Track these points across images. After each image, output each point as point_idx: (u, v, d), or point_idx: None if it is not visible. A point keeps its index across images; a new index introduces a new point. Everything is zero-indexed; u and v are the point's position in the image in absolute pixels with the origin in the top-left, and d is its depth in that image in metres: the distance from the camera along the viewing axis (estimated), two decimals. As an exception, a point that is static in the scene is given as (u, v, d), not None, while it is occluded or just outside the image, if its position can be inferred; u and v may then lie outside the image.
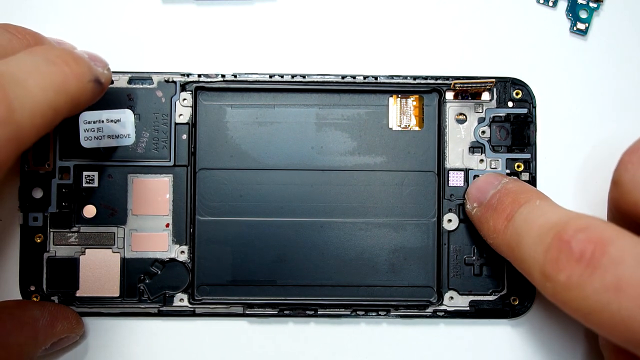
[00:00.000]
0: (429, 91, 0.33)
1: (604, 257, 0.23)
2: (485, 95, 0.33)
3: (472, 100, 0.33)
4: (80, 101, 0.25)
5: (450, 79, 0.33)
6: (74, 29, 0.33)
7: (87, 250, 0.32)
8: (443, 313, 0.33)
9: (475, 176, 0.33)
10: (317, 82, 0.33)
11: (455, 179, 0.33)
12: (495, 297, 0.33)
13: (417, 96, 0.33)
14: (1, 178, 0.22)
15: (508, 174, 0.33)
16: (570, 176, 0.33)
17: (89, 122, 0.32)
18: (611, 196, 0.28)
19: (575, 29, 0.34)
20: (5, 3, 0.33)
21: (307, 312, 0.32)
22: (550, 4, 0.34)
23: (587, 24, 0.33)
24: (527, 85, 0.33)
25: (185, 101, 0.33)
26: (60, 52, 0.25)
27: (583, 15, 0.34)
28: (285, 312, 0.32)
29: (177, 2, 0.34)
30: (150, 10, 0.34)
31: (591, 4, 0.33)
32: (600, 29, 0.34)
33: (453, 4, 0.34)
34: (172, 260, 0.32)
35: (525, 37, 0.34)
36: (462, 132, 0.33)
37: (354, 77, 0.33)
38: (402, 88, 0.33)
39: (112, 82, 0.32)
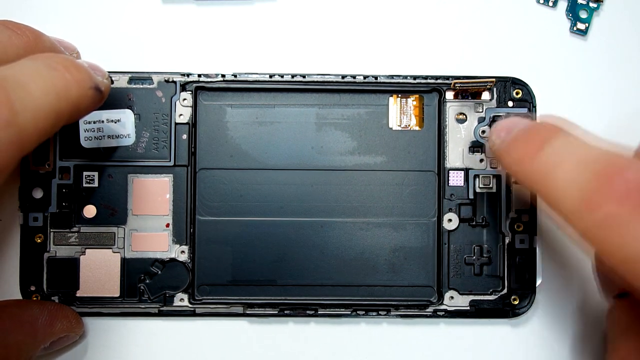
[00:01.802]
0: (429, 91, 0.33)
1: None
2: (486, 95, 0.33)
3: (472, 100, 0.33)
4: (81, 107, 0.25)
5: (450, 78, 0.33)
6: (74, 29, 0.33)
7: (87, 250, 0.32)
8: (443, 313, 0.33)
9: (476, 176, 0.33)
10: (317, 82, 0.33)
11: (456, 179, 0.33)
12: (496, 296, 0.33)
13: (417, 96, 0.33)
14: (3, 181, 0.22)
15: (508, 174, 0.33)
16: (570, 176, 0.33)
17: (89, 122, 0.32)
18: None
19: (575, 29, 0.34)
20: (6, 3, 0.33)
21: (307, 311, 0.32)
22: (550, 4, 0.34)
23: (587, 24, 0.33)
24: (527, 85, 0.33)
25: (186, 101, 0.33)
26: (62, 59, 0.25)
27: (583, 15, 0.34)
28: (285, 312, 0.32)
29: (177, 2, 0.34)
30: (150, 10, 0.34)
31: (591, 4, 0.33)
32: (600, 29, 0.34)
33: (453, 4, 0.34)
34: (173, 260, 0.32)
35: (525, 37, 0.34)
36: (462, 131, 0.33)
37: (354, 77, 0.33)
38: (402, 88, 0.33)
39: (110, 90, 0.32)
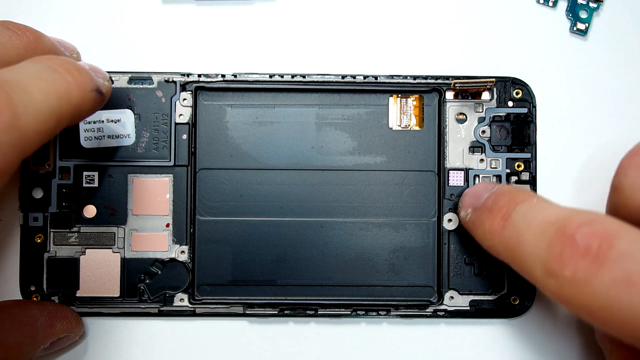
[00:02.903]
0: (429, 91, 0.33)
1: (611, 250, 0.22)
2: (485, 95, 0.33)
3: (472, 100, 0.33)
4: (82, 110, 0.25)
5: (450, 78, 0.33)
6: (74, 29, 0.33)
7: (87, 250, 0.32)
8: (443, 313, 0.33)
9: (476, 176, 0.33)
10: (317, 82, 0.33)
11: (456, 179, 0.33)
12: (496, 296, 0.33)
13: (417, 96, 0.33)
14: (5, 183, 0.22)
15: (508, 174, 0.33)
16: (570, 176, 0.33)
17: (89, 122, 0.32)
18: (611, 202, 0.27)
19: (575, 29, 0.34)
20: (6, 3, 0.33)
21: (307, 312, 0.32)
22: (550, 4, 0.34)
23: (587, 24, 0.33)
24: (527, 85, 0.33)
25: (185, 101, 0.33)
26: (63, 62, 0.25)
27: (583, 15, 0.34)
28: (285, 312, 0.32)
29: (177, 2, 0.34)
30: (150, 10, 0.34)
31: (591, 4, 0.33)
32: (600, 29, 0.34)
33: (453, 4, 0.34)
34: (173, 260, 0.32)
35: (525, 37, 0.34)
36: (462, 131, 0.33)
37: (354, 77, 0.33)
38: (402, 88, 0.33)
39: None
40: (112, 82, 0.32)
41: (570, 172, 0.33)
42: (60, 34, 0.33)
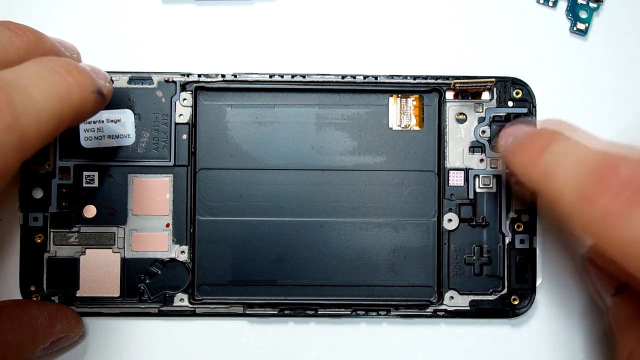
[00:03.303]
0: (429, 91, 0.33)
1: None
2: (485, 95, 0.33)
3: (472, 100, 0.33)
4: (83, 111, 0.25)
5: (450, 78, 0.33)
6: (74, 29, 0.33)
7: (87, 250, 0.32)
8: (443, 313, 0.33)
9: (476, 176, 0.33)
10: (317, 82, 0.33)
11: (455, 179, 0.33)
12: (496, 296, 0.33)
13: (417, 96, 0.33)
14: (5, 184, 0.22)
15: (508, 174, 0.33)
16: (570, 176, 0.33)
17: (89, 123, 0.32)
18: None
19: (575, 29, 0.34)
20: (6, 3, 0.33)
21: (308, 312, 0.32)
22: (550, 4, 0.34)
23: (587, 24, 0.33)
24: (527, 85, 0.33)
25: (185, 101, 0.33)
26: (64, 63, 0.25)
27: (583, 15, 0.34)
28: (285, 312, 0.32)
29: (177, 2, 0.34)
30: (150, 10, 0.34)
31: (591, 4, 0.33)
32: (600, 29, 0.34)
33: (453, 4, 0.34)
34: (173, 260, 0.32)
35: (525, 37, 0.34)
36: (462, 131, 0.33)
37: (354, 77, 0.33)
38: (402, 88, 0.33)
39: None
40: (113, 83, 0.32)
41: (570, 172, 0.33)
42: (60, 34, 0.33)
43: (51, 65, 0.24)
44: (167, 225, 0.32)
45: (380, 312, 0.33)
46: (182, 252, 0.32)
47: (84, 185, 0.32)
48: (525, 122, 0.32)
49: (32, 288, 0.32)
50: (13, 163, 0.22)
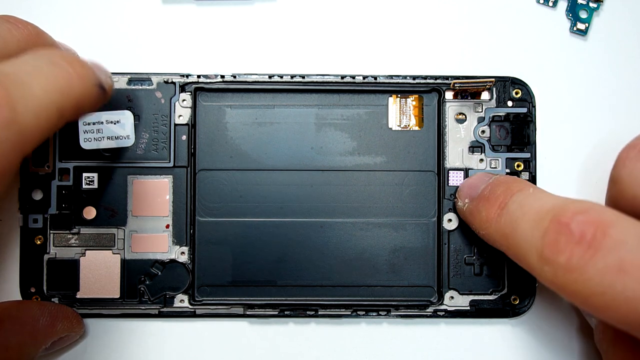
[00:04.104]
0: (428, 91, 0.33)
1: (605, 238, 0.22)
2: (485, 95, 0.33)
3: (471, 100, 0.33)
4: (84, 104, 0.25)
5: (449, 78, 0.33)
6: (74, 29, 0.33)
7: (87, 251, 0.32)
8: (443, 313, 0.33)
9: (472, 176, 0.33)
10: (317, 82, 0.33)
11: (455, 179, 0.33)
12: (496, 296, 0.33)
13: (416, 96, 0.33)
14: (8, 182, 0.22)
15: (508, 174, 0.33)
16: (570, 175, 0.33)
17: (89, 124, 0.32)
18: (609, 194, 0.28)
19: (575, 29, 0.33)
20: (6, 3, 0.33)
21: (308, 312, 0.32)
22: (550, 4, 0.34)
23: (587, 24, 0.33)
24: (527, 85, 0.33)
25: (185, 102, 0.33)
26: (65, 55, 0.25)
27: (583, 15, 0.33)
28: (285, 312, 0.32)
29: (177, 2, 0.34)
30: (150, 11, 0.34)
31: (591, 4, 0.33)
32: (600, 29, 0.34)
33: (453, 4, 0.34)
34: (173, 261, 0.32)
35: (525, 37, 0.34)
36: (461, 131, 0.33)
37: (353, 77, 0.33)
38: (401, 88, 0.33)
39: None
40: (113, 80, 0.32)
41: (569, 172, 0.33)
42: (60, 34, 0.32)
43: (51, 57, 0.24)
44: (167, 227, 0.32)
45: (380, 313, 0.33)
46: (182, 253, 0.32)
47: (84, 186, 0.32)
48: (478, 178, 0.31)
49: (32, 290, 0.32)
50: (13, 159, 0.22)
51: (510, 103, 0.33)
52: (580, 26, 0.33)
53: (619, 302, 0.22)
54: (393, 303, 0.33)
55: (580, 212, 0.23)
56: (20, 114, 0.21)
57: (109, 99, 0.27)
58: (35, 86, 0.22)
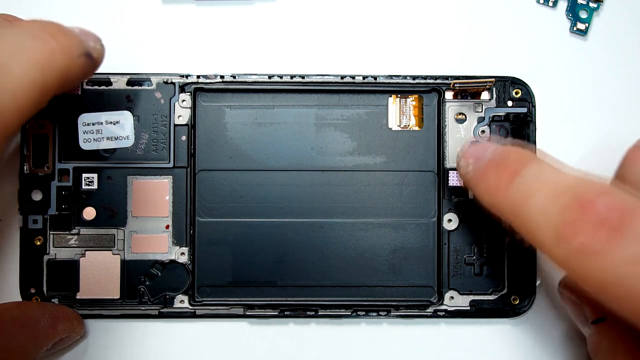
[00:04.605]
0: (428, 91, 0.33)
1: (632, 226, 0.21)
2: (485, 95, 0.33)
3: (471, 100, 0.33)
4: (71, 76, 0.24)
5: (449, 78, 0.33)
6: (72, 30, 0.33)
7: (87, 252, 0.32)
8: (443, 313, 0.33)
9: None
10: (317, 82, 0.33)
11: (455, 179, 0.33)
12: (496, 296, 0.33)
13: (416, 96, 0.33)
14: None
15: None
16: (570, 175, 0.33)
17: (88, 124, 0.32)
18: None
19: (575, 29, 0.33)
20: (6, 3, 0.33)
21: (308, 312, 0.32)
22: (550, 4, 0.34)
23: (587, 24, 0.33)
24: (527, 85, 0.33)
25: (184, 102, 0.32)
26: (47, 25, 0.24)
27: (583, 15, 0.33)
28: (285, 312, 0.32)
29: (177, 2, 0.34)
30: (150, 11, 0.34)
31: (591, 4, 0.33)
32: (600, 29, 0.34)
33: (453, 4, 0.34)
34: (173, 261, 0.32)
35: (525, 37, 0.34)
36: (461, 131, 0.33)
37: (353, 77, 0.33)
38: (401, 88, 0.33)
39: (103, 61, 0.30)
40: (104, 47, 0.31)
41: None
42: (59, 35, 0.32)
43: (32, 30, 0.23)
44: (167, 227, 0.32)
45: (380, 313, 0.33)
46: (182, 253, 0.32)
47: (83, 187, 0.32)
48: (487, 141, 0.30)
49: (32, 290, 0.32)
50: None
51: (510, 103, 0.33)
52: (580, 26, 0.33)
53: (634, 294, 0.20)
54: (393, 303, 0.33)
55: (605, 193, 0.22)
56: None
57: (100, 65, 0.26)
58: (14, 66, 0.22)
